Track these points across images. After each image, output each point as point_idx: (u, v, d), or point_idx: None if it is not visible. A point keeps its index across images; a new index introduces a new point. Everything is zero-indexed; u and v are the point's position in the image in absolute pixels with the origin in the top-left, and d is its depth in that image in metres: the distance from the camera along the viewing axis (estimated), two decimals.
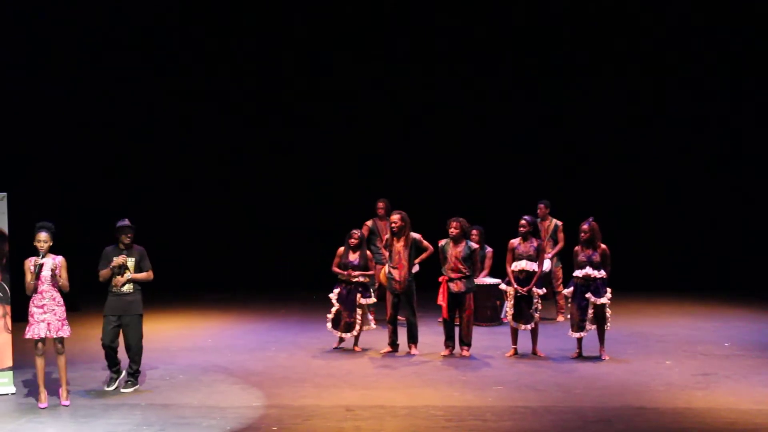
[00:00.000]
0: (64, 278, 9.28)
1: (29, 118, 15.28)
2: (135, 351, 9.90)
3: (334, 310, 11.80)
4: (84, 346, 12.27)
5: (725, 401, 9.26)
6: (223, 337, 13.05)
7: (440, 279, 11.47)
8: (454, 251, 11.38)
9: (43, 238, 9.21)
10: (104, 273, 9.75)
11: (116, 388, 9.80)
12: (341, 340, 11.92)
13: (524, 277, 11.42)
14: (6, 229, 9.87)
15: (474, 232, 13.54)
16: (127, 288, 9.78)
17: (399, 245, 11.57)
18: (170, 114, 17.71)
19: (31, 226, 9.38)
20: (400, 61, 17.54)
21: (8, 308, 9.85)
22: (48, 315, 9.20)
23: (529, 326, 11.42)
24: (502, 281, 11.82)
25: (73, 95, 16.03)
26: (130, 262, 9.78)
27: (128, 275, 9.76)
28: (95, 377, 10.43)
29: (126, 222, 9.85)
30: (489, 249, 13.98)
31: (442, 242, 11.53)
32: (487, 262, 13.94)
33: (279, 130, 17.94)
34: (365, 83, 17.72)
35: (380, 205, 13.71)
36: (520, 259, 11.44)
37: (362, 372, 10.73)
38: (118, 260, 9.69)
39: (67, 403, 9.23)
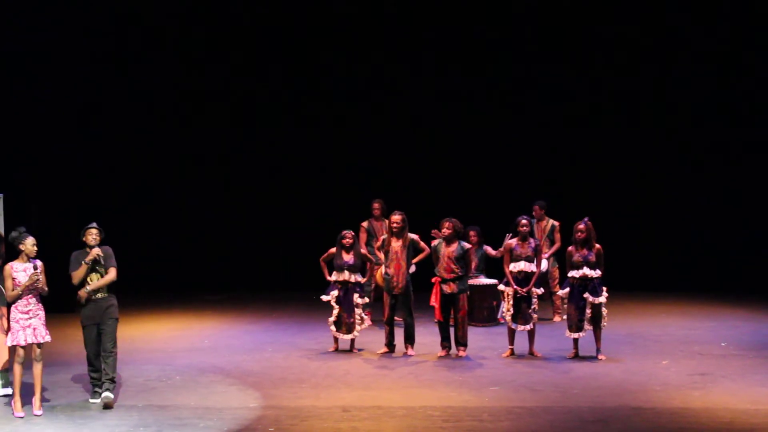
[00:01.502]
0: (44, 282, 9.16)
1: (27, 119, 15.26)
2: (109, 355, 9.43)
3: (335, 312, 11.80)
4: (80, 347, 12.20)
5: (722, 401, 9.27)
6: (220, 338, 13.06)
7: (433, 280, 11.48)
8: (446, 251, 11.39)
9: (34, 242, 9.14)
10: (78, 273, 9.30)
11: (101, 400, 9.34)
12: (336, 340, 11.92)
13: (523, 278, 11.43)
14: (2, 231, 9.85)
15: (472, 233, 13.56)
16: (101, 294, 9.38)
17: (397, 246, 11.58)
18: (169, 114, 17.68)
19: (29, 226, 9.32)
20: (398, 61, 17.51)
21: (5, 310, 9.81)
22: (34, 320, 9.06)
23: (528, 327, 11.43)
24: (501, 282, 11.81)
25: (71, 95, 16.00)
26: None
27: (89, 287, 9.32)
28: None
29: (93, 224, 9.43)
30: (487, 247, 13.97)
31: (435, 243, 11.55)
32: (493, 252, 13.86)
33: (276, 131, 17.92)
34: (362, 84, 17.70)
35: (376, 205, 13.70)
36: (519, 260, 11.45)
37: (359, 373, 10.74)
38: (92, 253, 9.26)
39: (40, 412, 9.03)
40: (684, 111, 17.26)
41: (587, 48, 17.27)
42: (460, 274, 11.40)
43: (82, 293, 9.37)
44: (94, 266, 9.37)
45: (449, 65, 17.60)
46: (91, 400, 9.48)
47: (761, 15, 16.61)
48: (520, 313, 11.42)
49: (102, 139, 17.12)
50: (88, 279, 9.38)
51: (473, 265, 12.94)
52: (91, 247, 9.35)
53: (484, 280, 13.74)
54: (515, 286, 11.42)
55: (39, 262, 9.14)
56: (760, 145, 16.99)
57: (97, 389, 9.48)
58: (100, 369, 9.49)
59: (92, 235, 9.37)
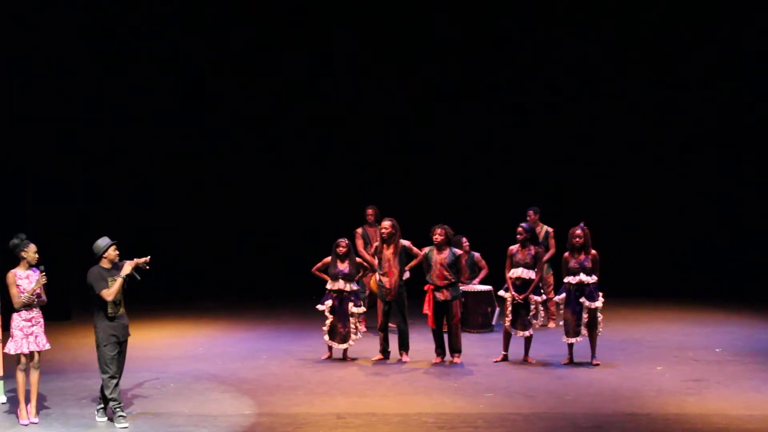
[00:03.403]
0: (43, 291, 9.07)
1: (23, 122, 15.17)
2: (120, 376, 9.18)
3: (328, 322, 11.77)
4: (75, 354, 12.26)
5: (716, 407, 9.29)
6: (214, 345, 13.04)
7: (426, 288, 11.48)
8: (438, 258, 11.39)
9: (35, 250, 9.09)
10: (114, 289, 8.84)
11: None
12: (330, 348, 11.89)
13: (521, 284, 11.45)
14: None
15: (464, 239, 13.58)
16: (123, 308, 9.11)
17: (388, 252, 11.59)
18: (166, 119, 17.63)
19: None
20: (393, 63, 17.51)
21: None
22: (35, 327, 9.03)
23: (526, 333, 11.45)
24: (502, 288, 11.81)
25: (67, 97, 15.91)
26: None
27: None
28: (87, 386, 10.40)
29: (108, 239, 9.11)
30: (476, 254, 13.96)
31: (426, 250, 11.54)
32: (483, 263, 13.91)
33: (273, 136, 17.91)
34: (355, 90, 17.70)
35: (369, 211, 13.66)
36: (518, 267, 11.47)
37: (354, 379, 10.74)
38: (127, 267, 8.99)
39: (36, 420, 9.00)
40: (681, 113, 17.28)
41: (582, 49, 17.29)
42: (452, 280, 11.41)
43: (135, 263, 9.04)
44: (129, 281, 9.07)
45: (444, 69, 17.59)
46: (120, 426, 8.90)
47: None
48: (519, 319, 11.44)
49: (94, 147, 17.06)
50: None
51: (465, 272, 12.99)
52: (120, 262, 9.06)
53: (478, 287, 13.74)
54: (513, 293, 11.44)
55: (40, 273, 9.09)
56: (757, 149, 17.02)
57: (121, 413, 8.97)
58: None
59: (116, 251, 9.07)
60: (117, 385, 8.98)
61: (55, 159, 15.43)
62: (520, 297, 11.40)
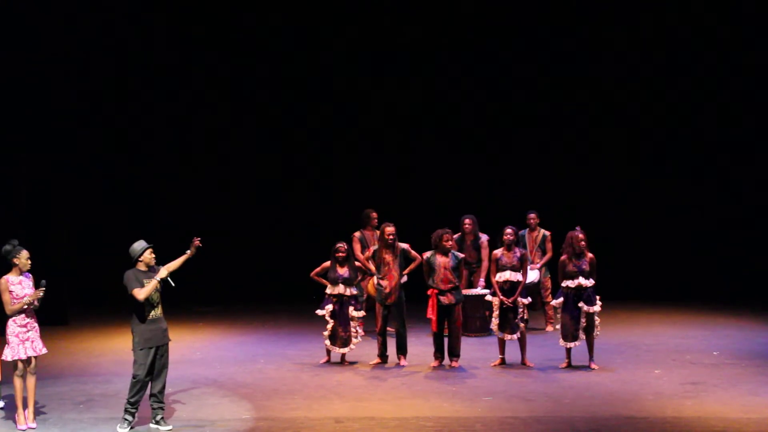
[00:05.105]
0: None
1: (20, 122, 15.16)
2: (164, 381, 9.17)
3: (330, 327, 11.76)
4: (73, 359, 12.26)
5: (714, 410, 9.30)
6: (212, 350, 13.03)
7: (429, 292, 11.47)
8: (443, 262, 11.39)
9: (28, 256, 9.08)
10: (148, 290, 8.86)
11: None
12: (328, 352, 11.88)
13: (509, 288, 11.45)
14: None
15: (467, 221, 13.47)
16: (161, 311, 9.12)
17: (388, 256, 11.58)
18: (164, 125, 17.61)
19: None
20: (389, 65, 17.51)
21: None
22: (31, 333, 9.04)
23: (514, 336, 11.44)
24: (489, 292, 11.83)
25: (64, 99, 15.89)
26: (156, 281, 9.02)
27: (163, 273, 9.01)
28: (84, 390, 10.41)
29: (144, 242, 9.10)
30: (484, 237, 13.72)
31: (427, 254, 11.53)
32: (485, 253, 13.62)
33: (269, 141, 17.90)
34: (351, 93, 17.69)
35: (374, 215, 13.61)
36: (504, 270, 11.47)
37: (352, 383, 10.73)
38: (163, 271, 9.01)
39: (34, 425, 9.00)
40: (678, 117, 17.29)
41: (579, 53, 17.29)
42: (456, 283, 11.42)
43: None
44: (164, 286, 9.07)
45: (444, 69, 17.58)
46: (121, 429, 8.92)
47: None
48: (507, 323, 11.44)
49: (89, 152, 17.05)
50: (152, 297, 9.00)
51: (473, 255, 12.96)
52: (155, 265, 9.07)
53: (476, 291, 13.68)
54: (501, 296, 11.44)
55: (32, 279, 9.08)
56: (751, 154, 17.03)
57: (128, 417, 8.94)
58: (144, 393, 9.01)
59: (152, 253, 9.08)
60: (139, 390, 8.94)
61: (52, 160, 15.41)
62: (510, 300, 11.40)
